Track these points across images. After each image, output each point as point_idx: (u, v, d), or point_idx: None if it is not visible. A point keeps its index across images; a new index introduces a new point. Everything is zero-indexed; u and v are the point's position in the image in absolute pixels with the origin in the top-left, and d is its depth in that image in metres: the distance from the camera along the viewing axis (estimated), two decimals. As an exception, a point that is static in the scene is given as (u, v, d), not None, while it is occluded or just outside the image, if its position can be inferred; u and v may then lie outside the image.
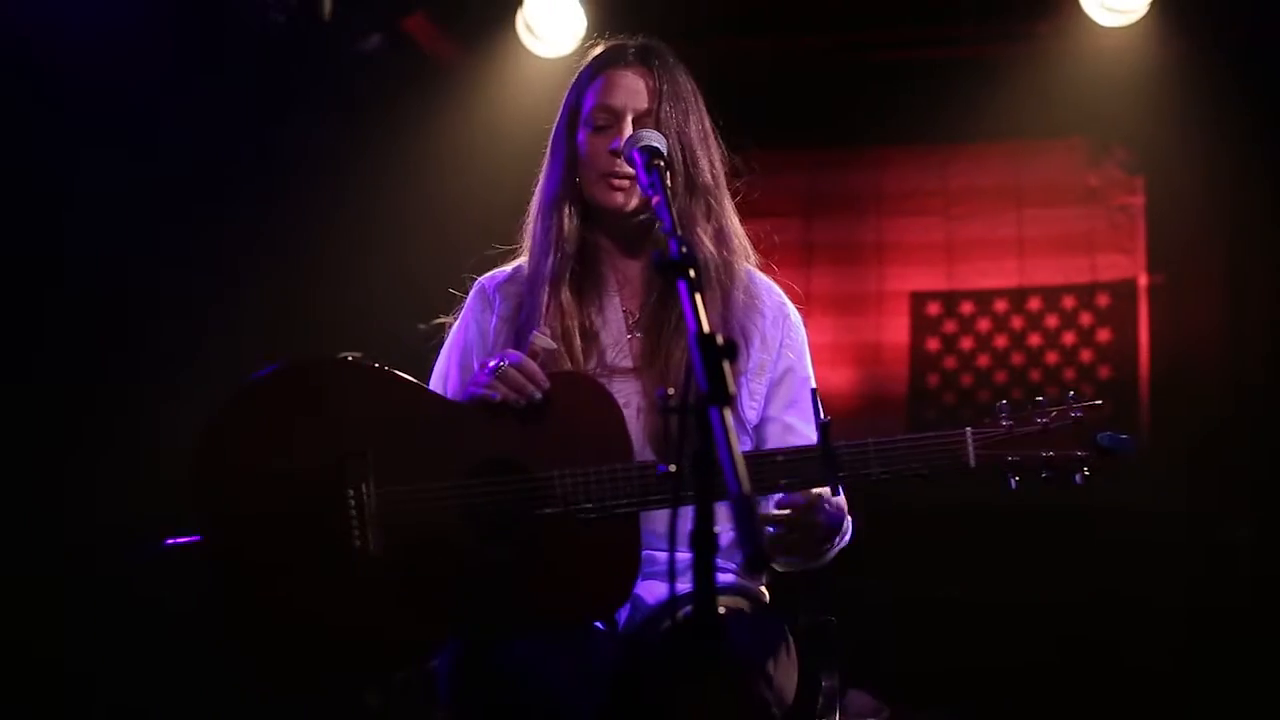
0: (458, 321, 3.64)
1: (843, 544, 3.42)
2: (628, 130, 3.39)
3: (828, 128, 7.37)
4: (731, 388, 2.31)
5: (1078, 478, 3.13)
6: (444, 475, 3.19)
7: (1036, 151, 7.39)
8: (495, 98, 6.88)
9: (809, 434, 3.41)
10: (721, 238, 3.49)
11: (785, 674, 3.27)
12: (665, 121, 3.42)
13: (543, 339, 3.28)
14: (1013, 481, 3.14)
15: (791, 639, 3.40)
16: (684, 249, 2.61)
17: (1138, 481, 6.85)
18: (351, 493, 3.19)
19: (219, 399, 3.29)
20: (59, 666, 5.79)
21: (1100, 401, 3.16)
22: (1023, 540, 6.72)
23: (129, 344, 6.10)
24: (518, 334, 3.48)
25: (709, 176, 3.49)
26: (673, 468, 2.34)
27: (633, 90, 3.45)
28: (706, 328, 2.39)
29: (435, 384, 3.59)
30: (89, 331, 6.05)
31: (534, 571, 3.15)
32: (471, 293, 3.66)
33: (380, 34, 6.59)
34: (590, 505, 3.14)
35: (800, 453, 3.16)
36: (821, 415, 3.09)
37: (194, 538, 3.27)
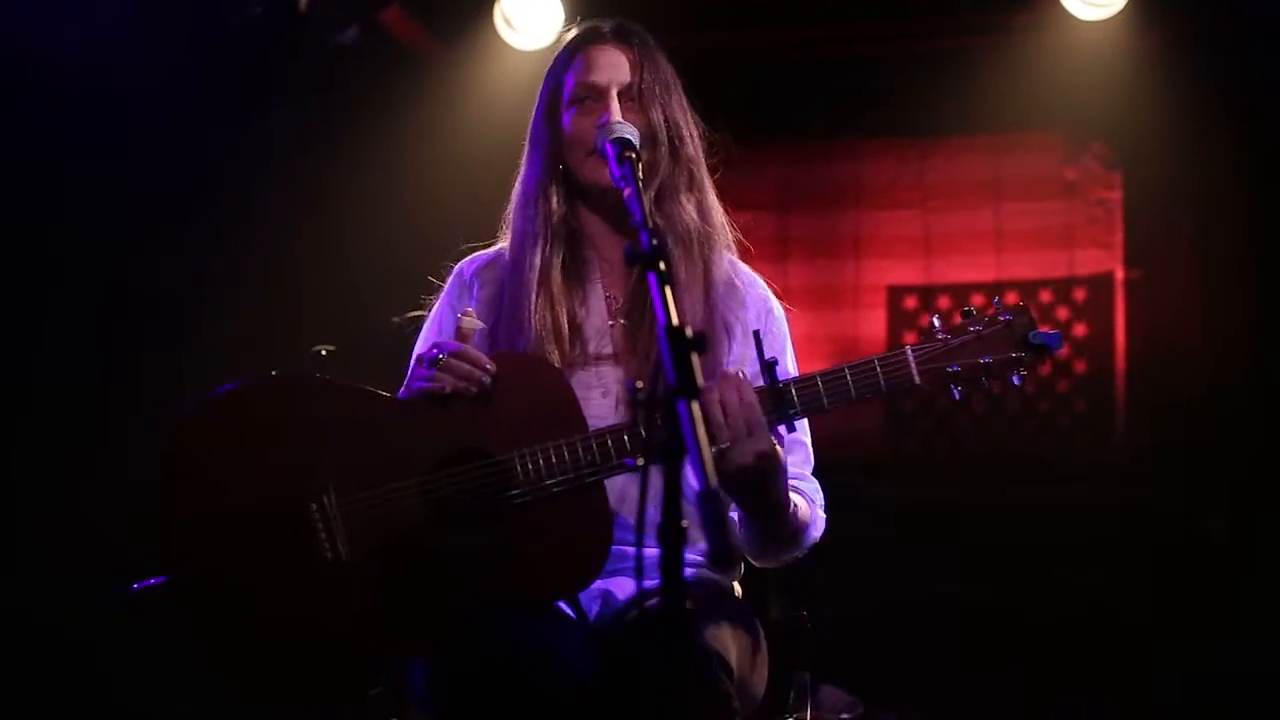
0: (434, 308, 3.61)
1: (814, 537, 3.40)
2: (614, 104, 3.37)
3: (804, 121, 7.37)
4: (700, 381, 2.30)
5: (1015, 378, 3.16)
6: (405, 474, 3.16)
7: (1014, 146, 7.38)
8: (473, 90, 6.87)
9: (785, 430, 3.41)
10: (703, 210, 3.48)
11: (754, 668, 3.26)
12: (648, 94, 3.41)
13: (469, 320, 3.26)
14: (956, 392, 3.17)
15: (763, 633, 3.39)
16: (655, 241, 2.59)
17: (1114, 476, 6.92)
18: (315, 506, 3.16)
19: (161, 438, 3.24)
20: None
21: (1025, 304, 3.20)
22: (998, 535, 6.73)
23: (106, 343, 6.09)
24: (497, 319, 3.46)
25: (691, 149, 3.47)
26: (640, 461, 2.32)
27: (614, 65, 3.42)
28: (675, 320, 2.38)
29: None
30: (77, 333, 6.04)
31: (509, 553, 3.13)
32: (449, 278, 3.63)
33: (357, 26, 6.56)
34: (556, 479, 3.11)
35: None
36: (765, 356, 3.06)
37: (159, 579, 3.23)
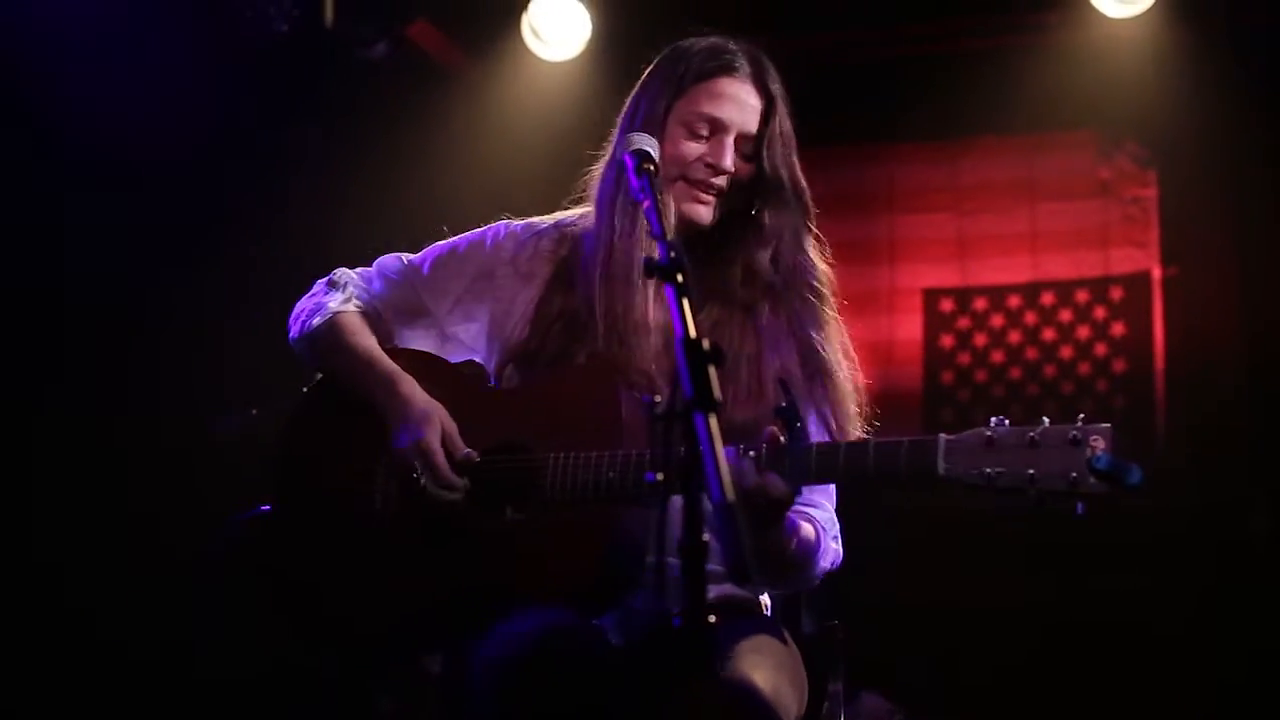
0: (466, 239, 3.72)
1: (823, 566, 3.35)
2: (728, 146, 3.38)
3: (837, 125, 7.33)
4: (717, 393, 2.27)
5: (1080, 507, 2.72)
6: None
7: (1048, 145, 7.36)
8: (502, 102, 6.88)
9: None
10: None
11: (785, 683, 3.17)
12: (771, 146, 3.43)
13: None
14: (998, 502, 2.81)
15: (794, 648, 3.34)
16: (673, 254, 2.56)
17: (1154, 475, 6.86)
18: (379, 465, 3.37)
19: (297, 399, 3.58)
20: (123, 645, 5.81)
21: (1108, 425, 2.71)
22: (1037, 537, 6.69)
23: (140, 358, 6.11)
24: (567, 292, 3.46)
25: (808, 202, 3.55)
26: (660, 477, 2.30)
27: (745, 106, 3.43)
28: (692, 333, 2.36)
29: (395, 262, 3.76)
30: (108, 349, 6.08)
31: (526, 543, 3.23)
32: (496, 225, 3.67)
33: (384, 41, 6.57)
34: (576, 488, 3.16)
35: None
36: (784, 406, 3.01)
37: (261, 508, 3.56)
